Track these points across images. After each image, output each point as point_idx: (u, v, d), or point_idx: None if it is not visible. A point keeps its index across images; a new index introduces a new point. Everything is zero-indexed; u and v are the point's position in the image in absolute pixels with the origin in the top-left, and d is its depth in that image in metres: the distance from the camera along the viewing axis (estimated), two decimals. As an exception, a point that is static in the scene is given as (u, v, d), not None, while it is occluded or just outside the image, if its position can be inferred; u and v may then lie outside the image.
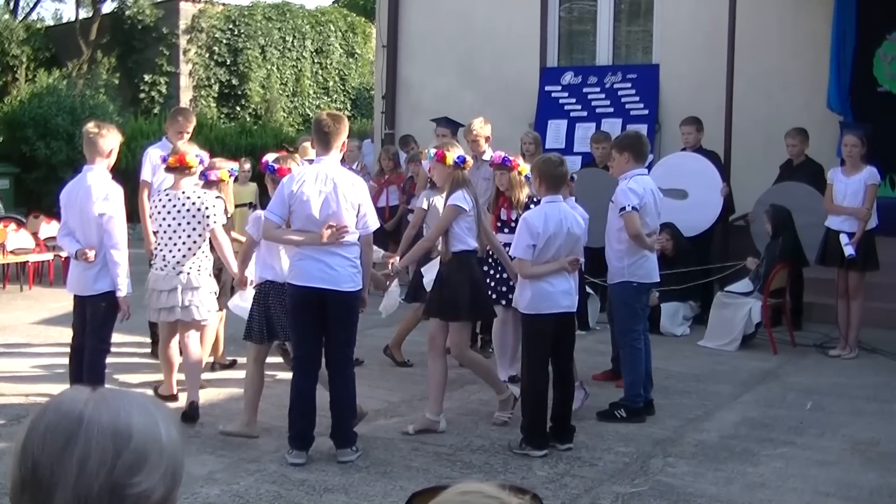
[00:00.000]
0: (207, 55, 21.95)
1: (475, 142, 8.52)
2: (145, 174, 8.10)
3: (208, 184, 7.14)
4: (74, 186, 6.23)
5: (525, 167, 7.16)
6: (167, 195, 6.78)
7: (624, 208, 6.58)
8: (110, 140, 6.19)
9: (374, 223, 5.83)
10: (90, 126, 6.29)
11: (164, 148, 7.77)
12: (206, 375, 7.33)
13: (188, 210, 6.66)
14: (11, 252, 12.12)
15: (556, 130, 12.62)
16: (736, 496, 5.30)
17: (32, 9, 26.90)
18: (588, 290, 9.35)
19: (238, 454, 5.81)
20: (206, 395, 7.14)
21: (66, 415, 1.33)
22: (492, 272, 7.20)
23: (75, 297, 6.36)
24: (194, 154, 6.82)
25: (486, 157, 8.52)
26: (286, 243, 5.94)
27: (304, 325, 5.75)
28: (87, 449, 1.30)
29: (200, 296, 6.72)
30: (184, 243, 6.64)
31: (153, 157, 7.98)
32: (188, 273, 6.67)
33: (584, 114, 12.59)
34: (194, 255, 6.68)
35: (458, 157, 6.28)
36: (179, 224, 6.65)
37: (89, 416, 1.33)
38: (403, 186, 11.89)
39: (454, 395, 7.30)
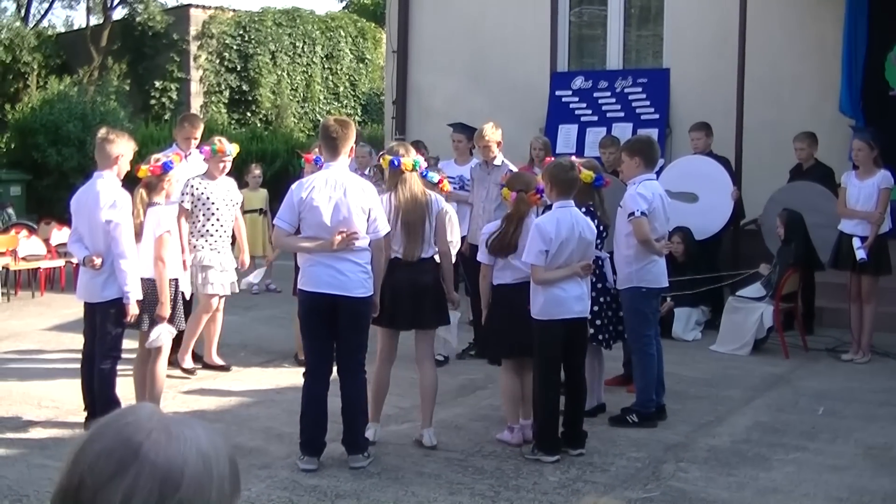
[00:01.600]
0: (218, 61, 22.00)
1: (486, 147, 8.49)
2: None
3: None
4: (84, 193, 6.25)
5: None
6: None
7: (633, 213, 6.56)
8: (119, 146, 6.21)
9: (384, 228, 5.82)
10: (101, 132, 6.33)
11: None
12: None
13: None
14: (23, 258, 12.17)
15: (566, 135, 12.59)
16: (748, 501, 5.28)
17: (43, 16, 26.99)
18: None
19: (249, 460, 5.80)
20: (217, 402, 7.15)
21: (124, 442, 1.30)
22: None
23: (85, 303, 6.37)
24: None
25: (498, 161, 8.51)
26: (297, 251, 5.94)
27: (315, 331, 5.75)
28: (134, 486, 1.27)
29: (211, 275, 7.77)
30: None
31: None
32: (200, 251, 7.71)
33: (595, 118, 12.56)
34: (200, 236, 7.72)
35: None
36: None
37: (146, 450, 1.29)
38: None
39: (465, 400, 7.29)
